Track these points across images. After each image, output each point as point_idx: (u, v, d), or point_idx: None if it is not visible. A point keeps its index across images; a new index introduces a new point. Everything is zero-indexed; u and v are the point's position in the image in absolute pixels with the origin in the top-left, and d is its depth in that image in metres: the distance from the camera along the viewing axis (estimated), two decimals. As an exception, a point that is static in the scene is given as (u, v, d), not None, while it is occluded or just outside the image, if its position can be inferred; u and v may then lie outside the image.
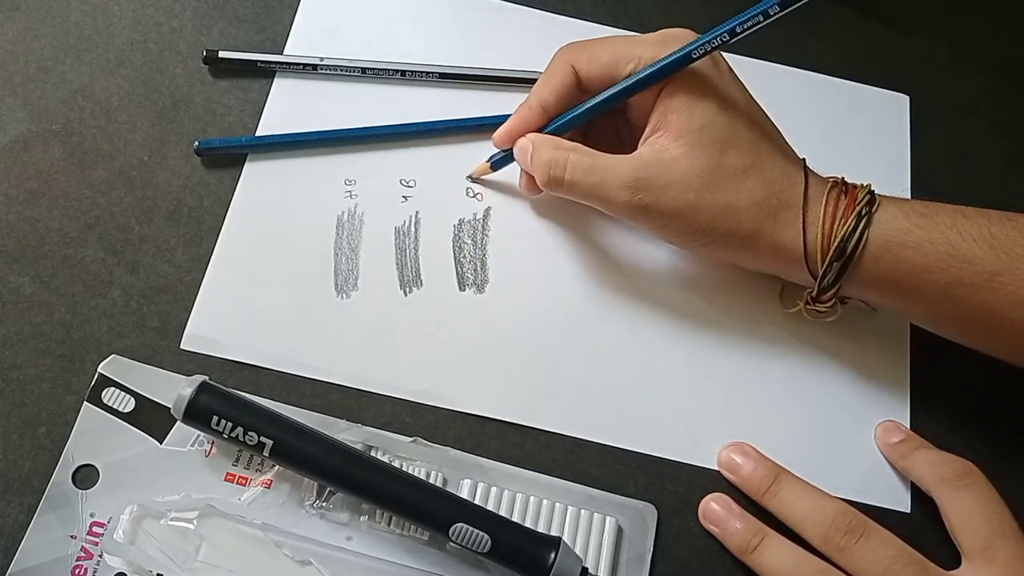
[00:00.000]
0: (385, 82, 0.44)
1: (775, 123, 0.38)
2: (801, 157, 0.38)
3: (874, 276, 0.36)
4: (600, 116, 0.39)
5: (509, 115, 0.43)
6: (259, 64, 0.44)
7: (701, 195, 0.35)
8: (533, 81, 0.44)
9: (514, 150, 0.40)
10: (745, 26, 0.35)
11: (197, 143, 0.41)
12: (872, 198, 0.36)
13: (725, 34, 0.35)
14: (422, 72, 0.44)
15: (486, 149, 0.43)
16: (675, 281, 0.42)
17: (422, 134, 0.43)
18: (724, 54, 0.38)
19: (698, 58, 0.36)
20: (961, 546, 0.35)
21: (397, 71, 0.44)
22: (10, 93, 0.42)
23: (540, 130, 0.39)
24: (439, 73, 0.44)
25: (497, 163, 0.42)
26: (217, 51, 0.43)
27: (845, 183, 0.37)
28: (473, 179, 0.43)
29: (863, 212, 0.35)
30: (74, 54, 0.43)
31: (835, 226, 0.35)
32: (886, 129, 0.46)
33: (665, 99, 0.37)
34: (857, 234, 0.35)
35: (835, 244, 0.35)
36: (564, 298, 0.41)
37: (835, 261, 0.35)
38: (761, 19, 0.34)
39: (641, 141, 0.38)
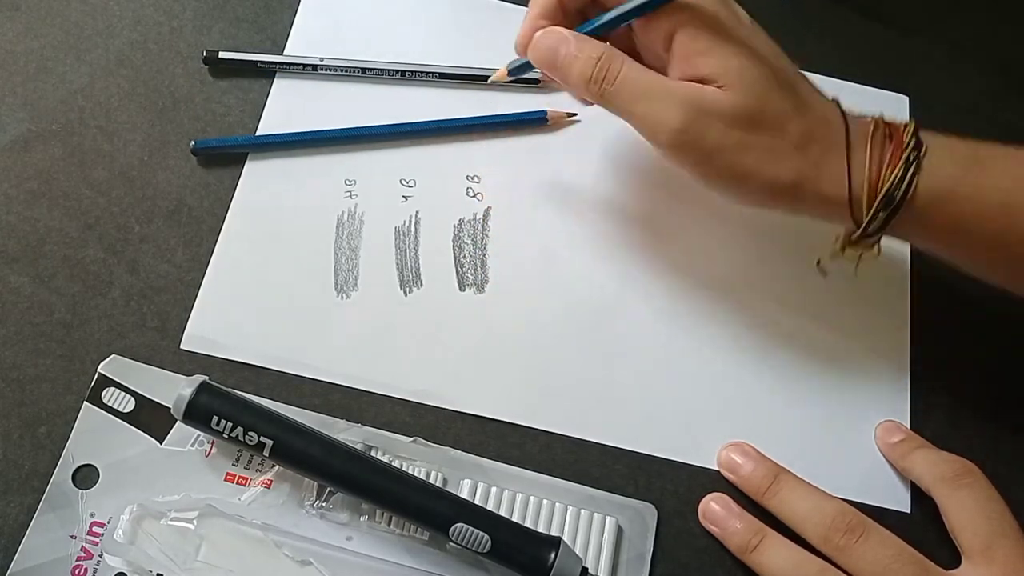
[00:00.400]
0: (385, 82, 0.44)
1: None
2: (832, 97, 0.36)
3: (921, 224, 0.34)
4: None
5: (510, 114, 0.43)
6: (259, 64, 0.44)
7: (745, 135, 0.33)
8: (535, 81, 0.44)
9: (533, 47, 0.36)
10: None
11: (193, 143, 0.41)
12: (918, 141, 0.34)
13: None
14: (422, 72, 0.44)
15: (486, 149, 0.43)
16: (675, 281, 0.42)
17: (421, 134, 0.43)
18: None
19: None
20: (961, 545, 0.35)
21: (397, 71, 0.44)
22: (10, 93, 0.42)
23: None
24: (439, 73, 0.44)
25: (516, 70, 0.38)
26: (217, 52, 0.43)
27: (887, 123, 0.35)
28: (491, 81, 0.40)
29: (911, 159, 0.33)
30: (74, 54, 0.43)
31: (882, 173, 0.34)
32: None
33: (685, 43, 0.34)
34: (905, 183, 0.33)
35: (882, 193, 0.33)
36: (564, 298, 0.41)
37: (881, 211, 0.34)
38: None
39: (672, 75, 0.35)
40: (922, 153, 0.34)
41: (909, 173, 0.33)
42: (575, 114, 0.44)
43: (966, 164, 0.34)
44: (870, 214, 0.34)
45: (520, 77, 0.43)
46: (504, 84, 0.44)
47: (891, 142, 0.34)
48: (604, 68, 0.34)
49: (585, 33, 0.35)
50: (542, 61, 0.36)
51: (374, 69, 0.44)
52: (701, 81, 0.34)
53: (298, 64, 0.44)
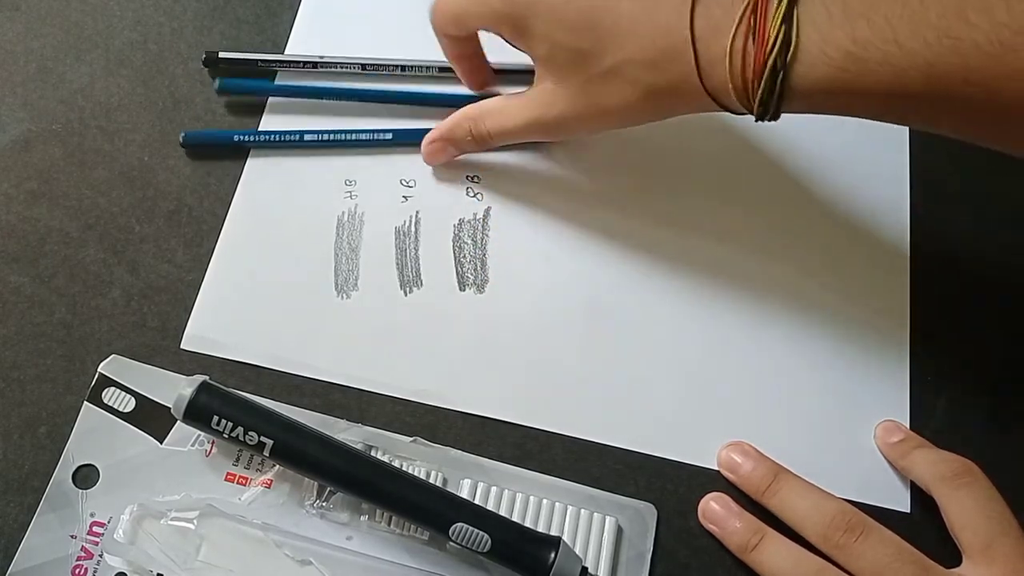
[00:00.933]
0: (385, 80, 0.44)
1: None
2: None
3: (811, 107, 0.32)
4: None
5: None
6: (259, 64, 0.44)
7: (589, 110, 0.36)
8: (531, 72, 0.44)
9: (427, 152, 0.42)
10: None
11: (183, 135, 0.41)
12: (787, 44, 0.30)
13: None
14: (421, 66, 0.44)
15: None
16: (675, 282, 0.42)
17: (418, 140, 0.43)
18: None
19: None
20: (961, 544, 0.35)
21: (397, 66, 0.44)
22: (10, 93, 0.42)
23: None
24: (439, 67, 0.44)
25: None
26: (217, 52, 0.43)
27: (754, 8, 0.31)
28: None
29: (777, 69, 0.31)
30: (74, 54, 0.43)
31: (746, 86, 0.32)
32: (886, 129, 0.46)
33: (513, 39, 0.37)
34: (776, 93, 0.31)
35: (755, 104, 0.32)
36: (564, 298, 0.41)
37: (760, 117, 0.32)
38: None
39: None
40: (789, 56, 0.30)
41: (777, 83, 0.31)
42: None
43: (843, 63, 0.30)
44: (754, 114, 0.33)
45: (517, 69, 0.44)
46: (503, 79, 0.45)
47: (756, 39, 0.31)
48: (475, 129, 0.40)
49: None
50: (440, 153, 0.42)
51: (374, 65, 0.44)
52: (538, 69, 0.37)
53: (298, 62, 0.44)
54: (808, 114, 0.33)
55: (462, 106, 0.41)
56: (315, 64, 0.44)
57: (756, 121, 0.33)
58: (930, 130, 0.32)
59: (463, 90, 0.44)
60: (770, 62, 0.31)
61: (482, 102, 0.40)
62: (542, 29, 0.35)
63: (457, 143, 0.41)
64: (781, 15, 0.30)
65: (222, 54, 0.43)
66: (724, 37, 0.32)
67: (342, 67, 0.44)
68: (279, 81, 0.44)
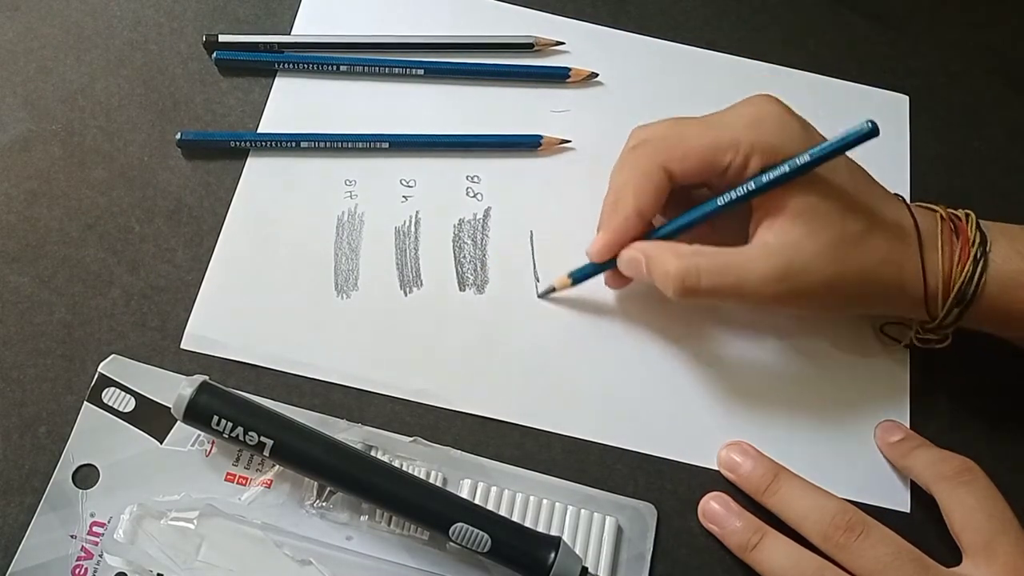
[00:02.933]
0: (385, 79, 0.44)
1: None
2: (896, 193, 0.38)
3: (991, 313, 0.36)
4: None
5: (512, 135, 0.43)
6: (262, 46, 0.44)
7: (837, 266, 0.35)
8: (529, 45, 0.45)
9: (620, 264, 0.38)
10: (855, 140, 0.35)
11: (180, 134, 0.41)
12: (983, 237, 0.36)
13: (847, 142, 0.35)
14: (421, 44, 0.45)
15: (485, 151, 0.43)
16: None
17: (416, 147, 0.43)
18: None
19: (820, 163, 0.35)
20: (962, 543, 0.35)
21: (399, 45, 0.45)
22: (10, 93, 0.42)
23: (642, 237, 0.38)
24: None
25: (580, 277, 0.39)
26: (216, 35, 0.44)
27: (951, 215, 0.37)
28: (544, 296, 0.41)
29: (978, 256, 0.36)
30: (74, 54, 0.43)
31: (953, 272, 0.36)
32: (886, 129, 0.46)
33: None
34: (976, 279, 0.36)
35: (955, 290, 0.36)
36: (564, 297, 0.41)
37: (955, 306, 0.36)
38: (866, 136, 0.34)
39: (753, 225, 0.37)
40: (988, 248, 0.36)
41: (978, 270, 0.36)
42: (568, 140, 0.44)
43: None
44: (944, 310, 0.36)
45: (516, 43, 0.44)
46: (504, 80, 0.45)
47: (958, 238, 0.37)
48: (693, 272, 0.35)
49: (664, 235, 0.38)
50: (631, 273, 0.38)
51: (379, 44, 0.44)
52: (787, 215, 0.35)
53: (301, 43, 0.44)
54: (979, 328, 0.38)
55: (447, 149, 0.42)
56: (319, 45, 0.44)
57: (935, 323, 0.37)
58: None
59: (455, 113, 0.44)
60: (972, 251, 0.36)
61: (692, 249, 0.36)
62: (823, 170, 0.35)
63: (692, 291, 0.36)
64: (975, 221, 0.37)
65: (222, 37, 0.44)
66: (936, 226, 0.37)
67: (347, 47, 0.44)
68: (279, 80, 0.44)
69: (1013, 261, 0.36)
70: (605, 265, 0.39)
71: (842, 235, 0.35)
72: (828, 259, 0.35)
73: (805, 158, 0.35)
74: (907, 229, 0.37)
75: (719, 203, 0.37)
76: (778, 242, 0.35)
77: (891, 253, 0.36)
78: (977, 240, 0.36)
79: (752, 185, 0.36)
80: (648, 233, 0.38)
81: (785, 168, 0.35)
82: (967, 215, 0.37)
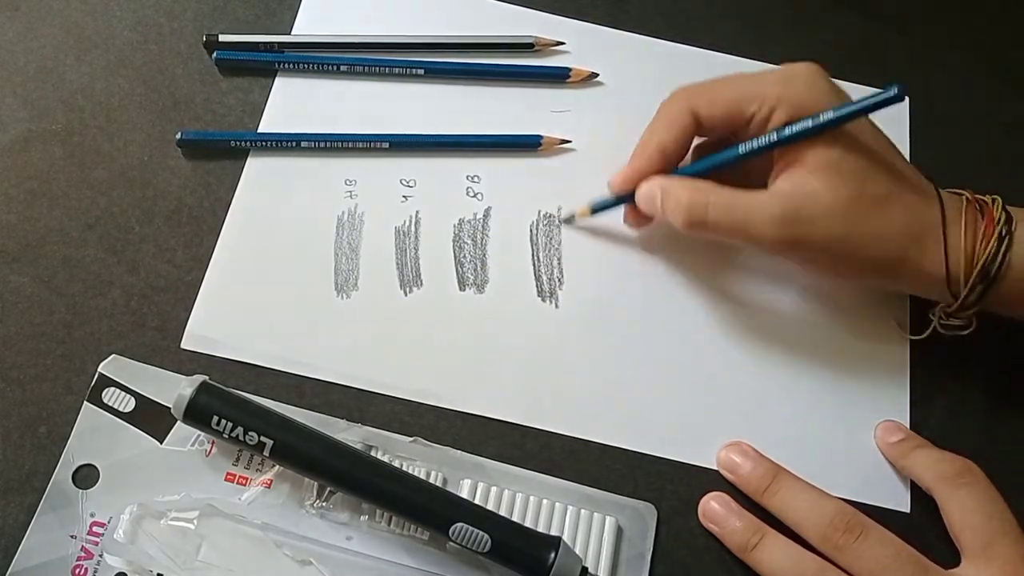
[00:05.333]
0: (385, 79, 0.44)
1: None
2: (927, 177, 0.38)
3: (1016, 294, 0.36)
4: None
5: (512, 135, 0.43)
6: (262, 46, 0.44)
7: (849, 226, 0.35)
8: (529, 45, 0.45)
9: (637, 196, 0.39)
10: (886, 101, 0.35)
11: (180, 134, 0.41)
12: (1008, 216, 0.36)
13: (870, 104, 0.35)
14: (421, 44, 0.45)
15: (485, 151, 0.43)
16: (675, 282, 0.42)
17: (416, 147, 0.43)
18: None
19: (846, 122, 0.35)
20: (961, 544, 0.35)
21: (395, 44, 0.45)
22: (10, 93, 0.42)
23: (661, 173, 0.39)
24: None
25: (600, 208, 0.41)
26: (217, 35, 0.44)
27: (976, 199, 0.37)
28: (566, 221, 0.42)
29: (1003, 233, 0.35)
30: (74, 54, 0.43)
31: (976, 249, 0.35)
32: (886, 129, 0.46)
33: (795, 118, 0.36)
34: (1000, 257, 0.35)
35: (978, 267, 0.35)
36: (564, 297, 0.41)
37: (979, 284, 0.36)
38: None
39: (773, 175, 0.37)
40: (1013, 227, 0.36)
41: (1003, 247, 0.35)
42: (568, 140, 0.44)
43: None
44: (967, 288, 0.36)
45: (516, 43, 0.45)
46: (504, 80, 0.45)
47: (983, 217, 0.36)
48: (702, 204, 0.36)
49: (697, 170, 0.38)
50: (645, 206, 0.39)
51: (379, 44, 0.44)
52: (808, 167, 0.35)
53: (301, 43, 0.44)
54: (1003, 312, 0.38)
55: (447, 148, 0.43)
56: (319, 45, 0.44)
57: (948, 317, 0.38)
58: None
59: (456, 112, 0.44)
60: (997, 229, 0.36)
61: (706, 184, 0.37)
62: (850, 129, 0.35)
63: (703, 223, 0.37)
64: (1000, 202, 0.37)
65: (222, 37, 0.44)
66: (960, 204, 0.37)
67: (347, 47, 0.45)
68: (280, 80, 0.44)
69: None
70: (625, 198, 0.40)
71: (860, 195, 0.35)
72: (841, 215, 0.35)
73: (829, 115, 0.35)
74: (931, 203, 0.36)
75: (740, 151, 0.37)
76: (792, 190, 0.36)
77: (911, 225, 0.36)
78: (1002, 219, 0.36)
79: (774, 136, 0.36)
80: (671, 172, 0.39)
81: (808, 123, 0.35)
82: (993, 199, 0.37)
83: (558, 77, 0.45)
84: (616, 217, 0.42)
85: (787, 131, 0.36)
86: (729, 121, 0.38)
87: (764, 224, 0.36)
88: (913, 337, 0.41)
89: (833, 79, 0.37)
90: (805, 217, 0.35)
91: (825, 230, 0.35)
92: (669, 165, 0.39)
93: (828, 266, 0.37)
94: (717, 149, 0.39)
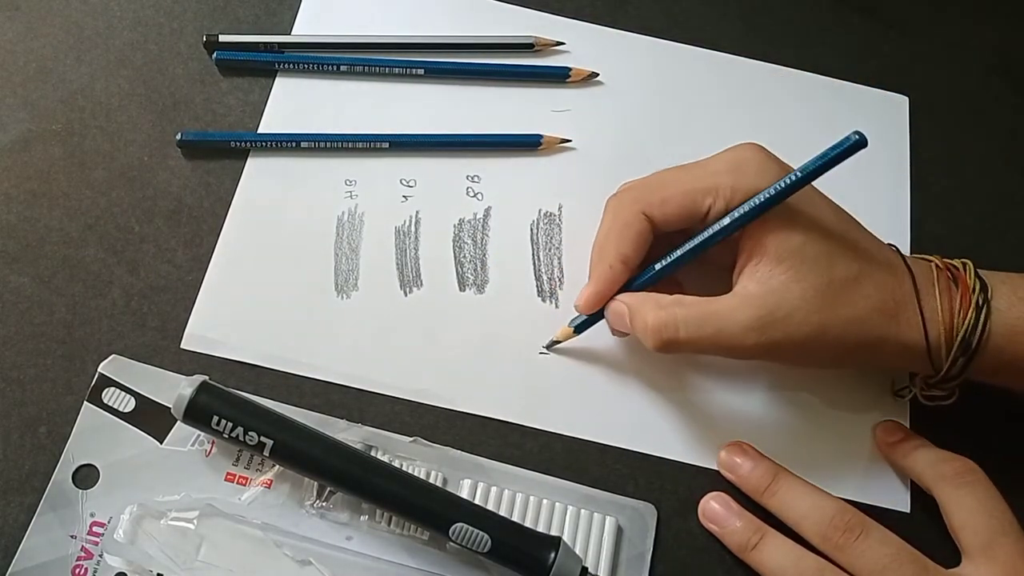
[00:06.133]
0: (385, 79, 0.44)
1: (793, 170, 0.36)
2: (889, 243, 0.37)
3: (998, 364, 0.35)
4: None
5: (512, 135, 0.44)
6: (262, 46, 0.44)
7: (824, 314, 0.34)
8: (529, 46, 0.45)
9: (607, 315, 0.37)
10: (837, 156, 0.34)
11: (180, 135, 0.41)
12: (983, 284, 0.35)
13: (818, 167, 0.34)
14: (421, 44, 0.45)
15: (485, 151, 0.43)
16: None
17: (416, 147, 0.43)
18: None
19: (793, 191, 0.34)
20: (961, 544, 0.35)
21: (395, 44, 0.45)
22: (10, 93, 0.42)
23: (626, 286, 0.37)
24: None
25: (581, 327, 0.38)
26: (217, 35, 0.44)
27: (947, 265, 0.36)
28: (550, 348, 0.40)
29: (980, 303, 0.34)
30: (74, 54, 0.43)
31: (955, 321, 0.34)
32: (886, 129, 0.46)
33: (752, 225, 0.35)
34: (980, 328, 0.34)
35: (958, 340, 0.34)
36: (564, 297, 0.41)
37: (960, 357, 0.35)
38: (852, 149, 0.34)
39: (737, 273, 0.36)
40: (990, 295, 0.35)
41: (981, 318, 0.34)
42: (568, 140, 0.44)
43: None
44: (949, 361, 0.35)
45: (516, 43, 0.45)
46: (503, 80, 0.45)
47: (957, 287, 0.35)
48: (671, 324, 0.34)
49: (645, 280, 0.37)
50: (617, 325, 0.37)
51: (379, 44, 0.44)
52: (771, 259, 0.34)
53: (302, 43, 0.44)
54: (986, 380, 0.37)
55: (447, 148, 0.42)
56: (320, 45, 0.44)
57: (933, 385, 0.36)
58: None
59: (456, 113, 0.44)
60: (974, 299, 0.34)
61: (673, 299, 0.35)
62: (809, 213, 0.35)
63: (672, 343, 0.35)
64: (972, 268, 0.36)
65: (222, 37, 0.44)
66: (931, 273, 0.36)
67: (347, 47, 0.45)
68: (280, 80, 0.44)
69: (1017, 308, 0.35)
70: (600, 314, 0.38)
71: (829, 281, 0.34)
72: (814, 306, 0.34)
73: (788, 179, 0.34)
74: (901, 276, 0.35)
75: (696, 241, 0.36)
76: (760, 289, 0.34)
77: (885, 302, 0.34)
78: (977, 287, 0.35)
79: (731, 217, 0.35)
80: (629, 280, 0.37)
81: (768, 192, 0.34)
82: (964, 264, 0.36)
83: (558, 77, 0.45)
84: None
85: (745, 207, 0.34)
86: (685, 218, 0.36)
87: (739, 334, 0.34)
88: (904, 398, 0.40)
89: (778, 159, 0.36)
90: (780, 317, 0.34)
91: (801, 325, 0.34)
92: (632, 274, 0.37)
93: (807, 360, 0.36)
94: (672, 239, 0.37)
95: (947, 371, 0.35)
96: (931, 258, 0.37)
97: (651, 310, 0.35)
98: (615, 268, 0.36)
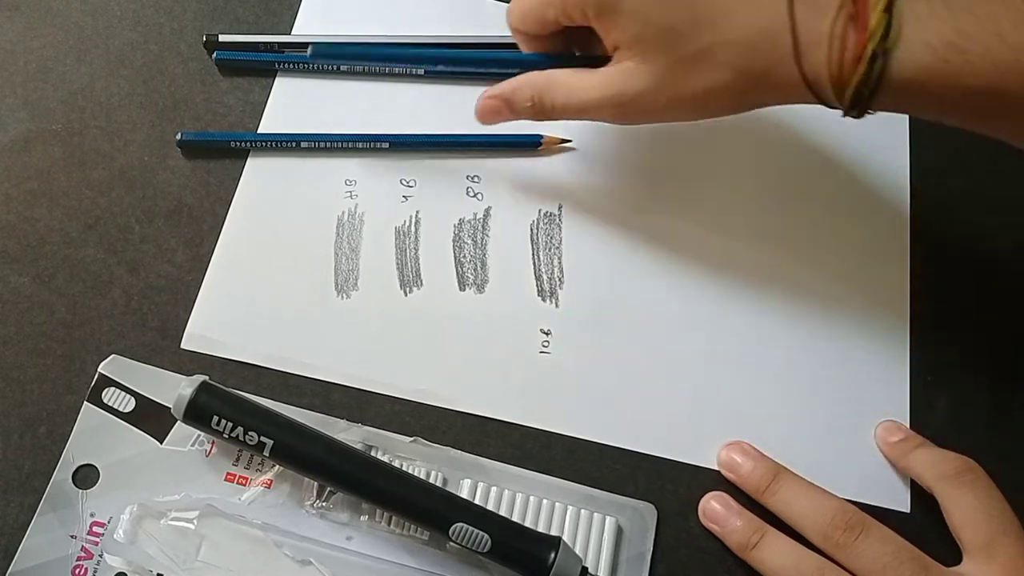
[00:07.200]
0: (385, 79, 0.44)
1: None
2: None
3: (902, 103, 0.32)
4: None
5: (504, 135, 0.43)
6: (262, 46, 0.44)
7: (670, 93, 0.34)
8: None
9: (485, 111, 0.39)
10: None
11: (180, 135, 0.41)
12: (887, 30, 0.30)
13: None
14: (421, 44, 0.44)
15: (485, 151, 0.43)
16: (675, 281, 0.42)
17: (416, 148, 0.43)
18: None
19: None
20: (962, 543, 0.35)
21: (395, 44, 0.44)
22: (10, 93, 0.42)
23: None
24: (439, 44, 0.44)
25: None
26: (217, 35, 0.44)
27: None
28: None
29: (876, 56, 0.30)
30: (74, 54, 0.43)
31: (844, 71, 0.31)
32: (886, 129, 0.46)
33: (597, 21, 0.35)
34: (872, 80, 0.31)
35: (849, 92, 0.31)
36: (564, 297, 0.41)
37: (853, 104, 0.32)
38: None
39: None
40: (890, 42, 0.30)
41: (875, 72, 0.30)
42: (568, 140, 0.44)
43: (945, 53, 0.30)
44: (845, 104, 0.32)
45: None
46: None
47: (856, 27, 0.30)
48: (540, 98, 0.37)
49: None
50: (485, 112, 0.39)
51: (379, 44, 0.44)
52: (625, 48, 0.35)
53: (301, 43, 0.44)
54: (894, 112, 0.33)
55: (447, 149, 0.42)
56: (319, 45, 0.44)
57: (844, 115, 0.33)
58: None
59: (456, 114, 0.44)
60: (870, 48, 0.30)
61: (550, 72, 0.37)
62: (633, 5, 0.34)
63: (514, 108, 0.38)
64: (883, 4, 0.30)
65: (222, 37, 0.44)
66: (824, 21, 0.31)
67: (346, 47, 0.44)
68: (280, 80, 0.44)
69: (922, 57, 0.30)
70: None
71: (677, 59, 0.33)
72: (659, 86, 0.34)
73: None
74: (775, 34, 0.32)
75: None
76: (614, 70, 0.35)
77: (750, 64, 0.33)
78: (879, 35, 0.30)
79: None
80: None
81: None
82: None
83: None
84: (619, 216, 0.42)
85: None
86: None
87: (599, 111, 0.36)
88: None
89: None
90: (630, 97, 0.35)
91: (652, 103, 0.35)
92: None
93: (682, 119, 0.37)
94: None
95: (845, 112, 0.33)
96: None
97: (528, 85, 0.38)
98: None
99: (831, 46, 0.31)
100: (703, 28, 0.33)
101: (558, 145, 0.44)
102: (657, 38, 0.34)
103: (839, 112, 0.33)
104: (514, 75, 0.39)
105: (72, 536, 0.35)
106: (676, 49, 0.33)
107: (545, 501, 0.37)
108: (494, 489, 0.37)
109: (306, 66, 0.44)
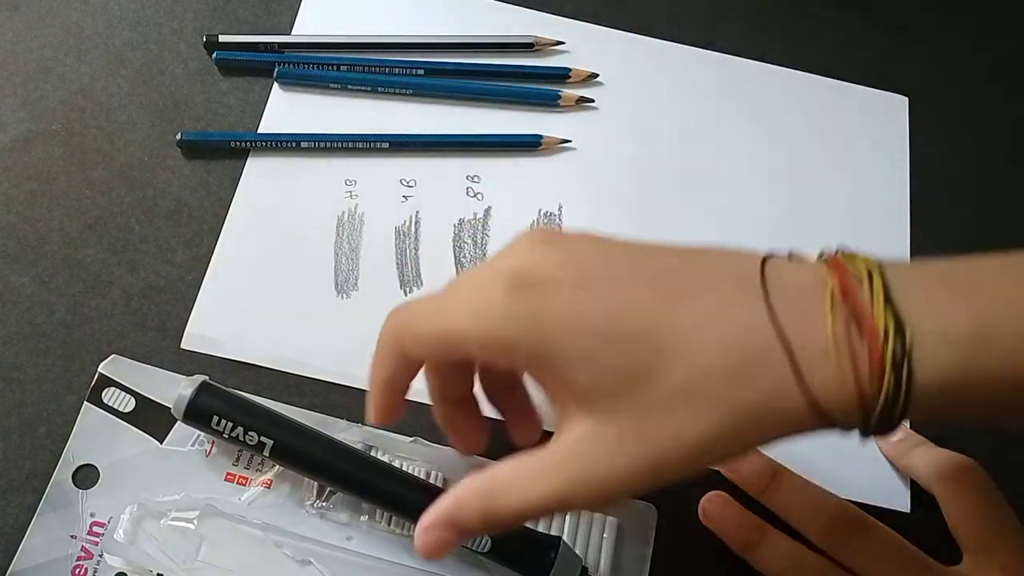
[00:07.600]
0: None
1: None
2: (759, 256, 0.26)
3: (934, 413, 0.25)
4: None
5: (512, 135, 0.44)
6: (262, 46, 0.44)
7: (649, 454, 0.25)
8: (529, 45, 0.45)
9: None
10: None
11: (180, 134, 0.41)
12: (902, 339, 0.23)
13: None
14: (421, 44, 0.45)
15: (485, 151, 0.43)
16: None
17: (417, 147, 0.43)
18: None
19: None
20: (962, 542, 0.35)
21: (395, 44, 0.45)
22: (10, 93, 0.42)
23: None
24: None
25: None
26: (217, 35, 0.44)
27: (852, 304, 0.24)
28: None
29: (896, 355, 0.23)
30: (74, 54, 0.43)
31: (862, 386, 0.23)
32: (886, 130, 0.46)
33: (533, 372, 0.27)
34: (902, 392, 0.23)
35: (876, 413, 0.24)
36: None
37: (880, 428, 0.24)
38: None
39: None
40: (908, 342, 0.23)
41: (903, 379, 0.23)
42: (568, 140, 0.44)
43: (971, 346, 0.23)
44: (872, 424, 0.24)
45: (516, 43, 0.45)
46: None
47: (863, 336, 0.23)
48: (490, 508, 0.27)
49: None
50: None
51: (379, 44, 0.45)
52: (558, 406, 0.27)
53: (302, 43, 0.44)
54: (934, 418, 0.25)
55: (447, 149, 0.41)
56: (319, 46, 0.45)
57: (865, 436, 0.25)
58: None
59: (456, 119, 0.44)
60: (888, 351, 0.23)
61: (489, 472, 0.28)
62: (581, 347, 0.25)
63: (464, 527, 0.28)
64: (881, 295, 0.24)
65: (222, 37, 0.44)
66: (818, 327, 0.24)
67: (346, 47, 0.45)
68: (278, 85, 0.44)
69: (945, 355, 0.23)
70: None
71: (646, 408, 0.25)
72: (632, 450, 0.25)
73: None
74: (761, 350, 0.24)
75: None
76: (567, 441, 0.26)
77: (738, 394, 0.24)
78: (893, 345, 0.23)
79: None
80: None
81: None
82: (869, 272, 0.24)
83: (558, 77, 0.45)
84: (619, 216, 0.42)
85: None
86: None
87: (564, 502, 0.26)
88: None
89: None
90: (597, 475, 0.25)
91: (621, 477, 0.25)
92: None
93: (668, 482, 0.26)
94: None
95: (870, 434, 0.25)
96: (829, 280, 0.24)
97: (471, 494, 0.28)
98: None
99: (838, 354, 0.23)
100: (673, 361, 0.24)
101: (558, 145, 0.44)
102: (617, 385, 0.25)
103: (853, 433, 0.25)
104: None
105: (72, 536, 0.35)
106: (642, 394, 0.25)
107: (545, 501, 0.37)
108: (494, 489, 0.37)
109: (306, 66, 0.44)
